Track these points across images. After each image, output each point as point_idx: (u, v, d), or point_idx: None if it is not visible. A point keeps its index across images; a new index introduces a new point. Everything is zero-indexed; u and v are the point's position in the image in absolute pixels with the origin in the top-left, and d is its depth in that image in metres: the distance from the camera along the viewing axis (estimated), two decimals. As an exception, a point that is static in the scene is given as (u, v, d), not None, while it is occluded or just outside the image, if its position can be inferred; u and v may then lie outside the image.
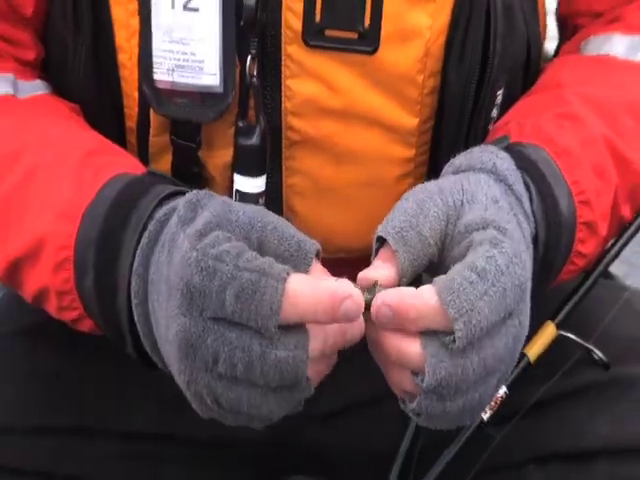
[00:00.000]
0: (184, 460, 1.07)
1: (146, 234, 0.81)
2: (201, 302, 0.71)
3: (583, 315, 1.01)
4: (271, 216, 0.77)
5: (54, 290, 0.88)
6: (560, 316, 0.98)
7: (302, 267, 0.75)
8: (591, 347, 0.99)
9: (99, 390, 1.07)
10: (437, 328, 0.72)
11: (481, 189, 0.81)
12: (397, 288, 0.75)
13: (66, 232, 0.86)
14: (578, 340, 0.98)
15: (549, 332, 0.97)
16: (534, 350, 0.95)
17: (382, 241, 0.80)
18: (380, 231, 0.79)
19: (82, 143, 0.95)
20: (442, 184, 0.83)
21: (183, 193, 0.82)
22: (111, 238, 0.84)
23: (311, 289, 0.71)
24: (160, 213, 0.81)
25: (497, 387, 0.80)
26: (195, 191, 0.80)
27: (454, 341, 0.71)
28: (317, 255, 0.77)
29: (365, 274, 0.77)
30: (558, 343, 0.98)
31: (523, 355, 0.94)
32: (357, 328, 0.74)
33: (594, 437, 1.02)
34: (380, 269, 0.77)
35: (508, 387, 0.94)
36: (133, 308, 0.82)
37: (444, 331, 0.71)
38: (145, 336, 0.82)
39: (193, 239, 0.72)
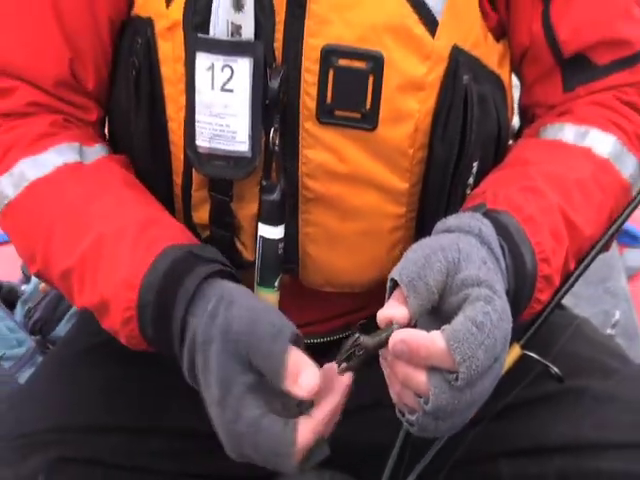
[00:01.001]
0: (209, 452, 1.07)
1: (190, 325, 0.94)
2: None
3: (542, 338, 1.07)
4: (258, 328, 0.90)
5: (123, 334, 0.99)
6: (524, 339, 1.05)
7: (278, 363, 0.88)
8: (549, 364, 1.06)
9: (150, 397, 1.13)
10: (442, 367, 0.84)
11: (473, 250, 0.91)
12: (413, 329, 0.87)
13: (129, 297, 0.97)
14: (538, 358, 1.05)
15: (515, 352, 1.03)
16: (504, 366, 0.96)
17: (394, 282, 0.90)
18: (394, 276, 0.90)
19: (138, 215, 1.05)
20: (442, 242, 0.93)
21: (217, 273, 0.98)
22: (164, 305, 0.97)
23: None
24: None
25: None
26: (214, 301, 0.93)
27: (457, 379, 0.84)
28: (296, 342, 0.90)
29: (384, 313, 0.88)
30: (523, 360, 1.04)
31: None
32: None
33: (553, 436, 1.07)
34: (395, 309, 0.88)
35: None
36: (185, 360, 0.95)
37: (448, 370, 0.84)
38: (193, 381, 0.96)
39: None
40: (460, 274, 0.89)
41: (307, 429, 0.88)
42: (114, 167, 1.11)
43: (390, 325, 0.87)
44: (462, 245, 0.92)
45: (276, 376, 0.88)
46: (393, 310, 0.88)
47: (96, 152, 1.12)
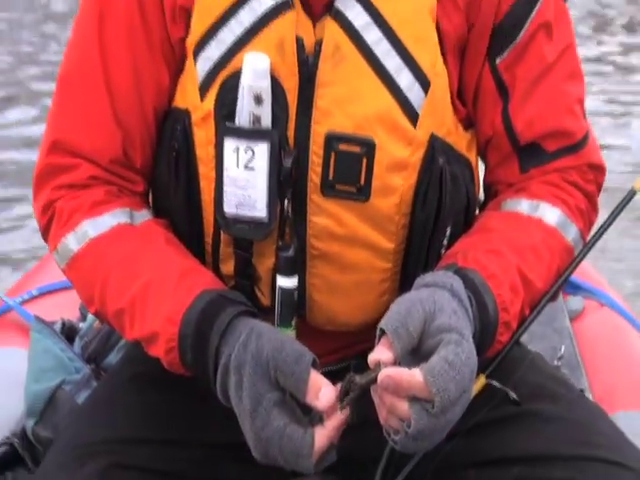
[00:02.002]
0: (233, 460, 1.10)
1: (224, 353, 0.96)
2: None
3: (503, 370, 1.07)
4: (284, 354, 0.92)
5: (166, 362, 1.00)
6: (488, 370, 1.05)
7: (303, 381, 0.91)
8: (508, 391, 1.06)
9: (182, 415, 1.12)
10: (421, 397, 0.88)
11: (446, 302, 0.94)
12: (397, 367, 0.89)
13: (172, 331, 0.99)
14: (500, 386, 1.05)
15: (481, 381, 1.03)
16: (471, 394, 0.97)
17: (382, 331, 0.92)
18: (382, 325, 0.92)
19: (178, 265, 1.05)
20: (421, 295, 0.95)
21: (244, 313, 1.00)
22: (201, 338, 0.98)
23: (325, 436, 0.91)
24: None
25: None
26: (245, 333, 0.95)
27: (433, 407, 0.87)
28: (314, 365, 0.93)
29: (373, 356, 0.90)
30: (487, 388, 1.04)
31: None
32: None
33: (513, 450, 1.05)
34: (382, 354, 0.90)
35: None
36: (218, 382, 0.97)
37: (425, 399, 0.87)
38: (224, 398, 0.97)
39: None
40: (435, 322, 0.92)
41: (322, 436, 0.91)
42: (157, 228, 1.11)
43: (378, 366, 0.89)
44: (437, 298, 0.94)
45: (300, 392, 0.91)
46: (381, 354, 0.90)
47: (143, 216, 1.12)
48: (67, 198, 1.11)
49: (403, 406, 0.89)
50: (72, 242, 1.10)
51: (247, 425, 0.93)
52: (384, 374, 0.88)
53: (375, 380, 0.89)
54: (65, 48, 1.15)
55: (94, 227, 1.09)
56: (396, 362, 0.91)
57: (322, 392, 0.91)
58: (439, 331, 0.92)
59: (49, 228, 1.13)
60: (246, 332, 0.96)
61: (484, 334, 1.00)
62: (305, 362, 0.92)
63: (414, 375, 0.88)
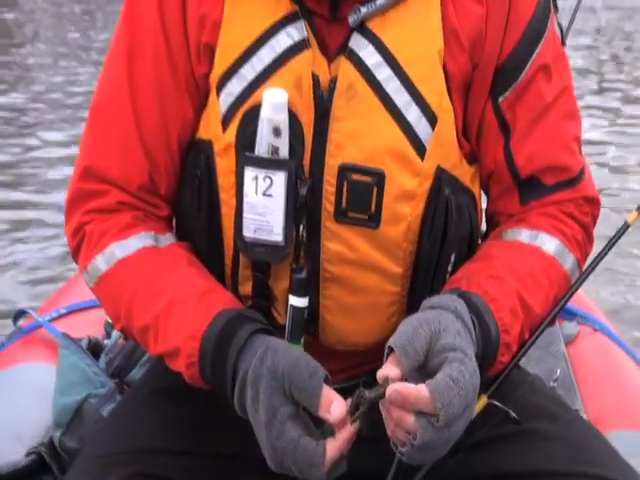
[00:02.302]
0: (247, 470, 1.10)
1: (241, 368, 0.96)
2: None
3: (504, 390, 1.06)
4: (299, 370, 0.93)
5: (187, 375, 1.00)
6: (490, 391, 1.04)
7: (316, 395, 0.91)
8: (509, 410, 1.05)
9: (199, 427, 1.12)
10: (426, 411, 0.87)
11: (450, 323, 0.93)
12: (405, 382, 0.89)
13: (192, 347, 0.99)
14: (501, 406, 1.05)
15: (483, 401, 1.03)
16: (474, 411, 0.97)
17: (390, 348, 0.92)
18: (390, 343, 0.92)
19: (199, 286, 1.06)
20: (427, 316, 0.95)
21: (260, 330, 1.00)
22: (220, 354, 0.98)
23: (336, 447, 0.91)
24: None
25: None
26: (262, 350, 0.95)
27: (438, 421, 0.86)
28: (326, 381, 0.93)
29: (382, 372, 0.90)
30: (489, 407, 1.04)
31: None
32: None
33: (513, 465, 1.05)
34: (390, 370, 0.90)
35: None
36: (235, 395, 0.97)
37: (430, 414, 0.87)
38: (241, 410, 0.97)
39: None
40: (440, 341, 0.91)
41: (333, 447, 0.91)
42: (180, 251, 1.12)
43: (387, 382, 0.89)
44: (442, 319, 0.94)
45: (312, 406, 0.91)
46: (389, 371, 0.90)
47: (167, 239, 1.13)
48: (97, 222, 1.11)
49: (410, 419, 0.89)
50: (101, 263, 1.10)
51: (263, 436, 0.93)
52: (392, 389, 0.88)
53: (383, 395, 0.89)
54: (98, 81, 1.16)
55: (121, 249, 1.10)
56: (403, 378, 0.90)
57: (333, 406, 0.91)
58: (444, 350, 0.91)
59: (79, 250, 1.14)
60: (262, 348, 0.96)
61: (486, 354, 1.00)
62: (318, 378, 0.92)
63: (420, 391, 0.88)
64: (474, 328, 0.98)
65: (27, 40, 8.39)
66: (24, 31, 8.56)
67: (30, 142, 5.33)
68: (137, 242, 1.10)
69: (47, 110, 6.01)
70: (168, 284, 1.06)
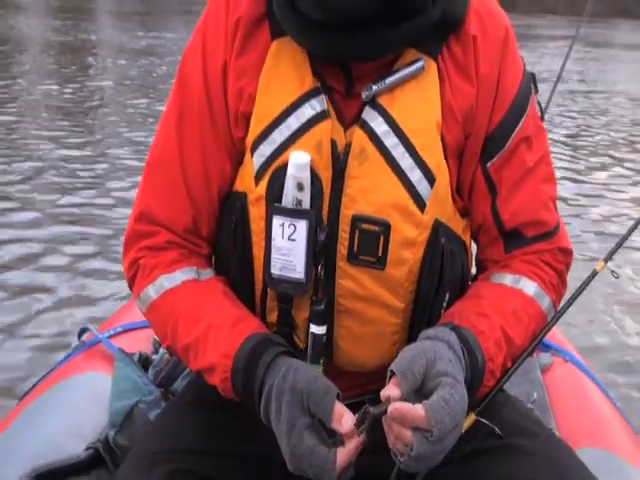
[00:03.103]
0: (273, 470, 1.07)
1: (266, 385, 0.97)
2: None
3: (490, 410, 1.05)
4: (316, 386, 0.94)
5: (221, 389, 1.01)
6: (477, 410, 1.03)
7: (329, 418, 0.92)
8: (494, 427, 1.05)
9: (233, 432, 1.12)
10: (422, 427, 0.88)
11: (444, 352, 0.93)
12: (404, 402, 0.89)
13: (226, 364, 0.99)
14: (487, 423, 1.04)
15: (471, 418, 1.02)
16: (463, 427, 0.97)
17: (392, 372, 0.92)
18: (392, 368, 0.92)
19: (233, 313, 1.06)
20: (424, 346, 0.95)
21: (284, 352, 1.00)
22: (249, 371, 0.98)
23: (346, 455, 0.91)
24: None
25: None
26: (284, 369, 0.96)
27: (432, 436, 0.86)
28: (338, 397, 0.93)
29: (385, 392, 0.90)
30: (476, 424, 1.04)
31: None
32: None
33: (498, 477, 1.03)
34: (392, 391, 0.90)
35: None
36: (261, 406, 0.98)
37: (425, 429, 0.87)
38: (266, 420, 0.98)
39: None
40: (435, 368, 0.91)
41: (343, 455, 0.91)
42: (217, 284, 1.12)
43: (389, 401, 0.89)
44: (437, 349, 0.94)
45: (326, 418, 0.92)
46: (390, 392, 0.90)
47: (207, 274, 1.13)
48: (148, 257, 1.12)
49: (407, 434, 0.88)
50: (151, 292, 1.11)
51: (284, 443, 0.93)
52: (393, 408, 0.88)
53: (386, 412, 0.89)
54: (153, 138, 1.17)
55: (169, 281, 1.10)
56: (403, 398, 0.90)
57: (344, 419, 0.91)
58: (438, 375, 0.91)
59: (134, 280, 1.14)
60: (285, 367, 0.96)
61: (474, 379, 0.99)
62: (331, 395, 0.93)
63: (417, 410, 0.87)
64: (464, 357, 0.97)
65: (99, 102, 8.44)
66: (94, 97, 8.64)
67: (99, 190, 5.40)
68: (182, 275, 1.11)
69: (113, 165, 6.09)
70: (207, 311, 1.06)
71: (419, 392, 0.92)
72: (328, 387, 0.94)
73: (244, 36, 1.07)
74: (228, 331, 1.03)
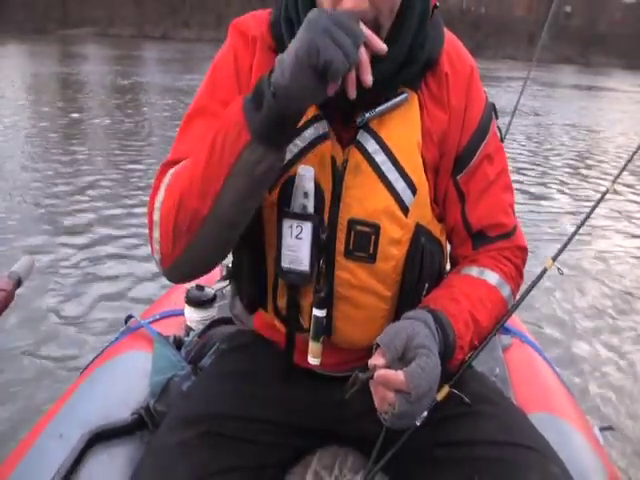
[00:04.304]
0: (279, 433, 1.08)
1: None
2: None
3: (461, 382, 1.03)
4: None
5: (232, 126, 0.87)
6: (451, 382, 1.01)
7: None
8: (463, 396, 1.03)
9: (254, 400, 1.09)
10: (403, 390, 0.87)
11: (421, 329, 0.92)
12: (388, 369, 0.88)
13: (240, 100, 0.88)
14: (458, 393, 1.02)
15: (445, 389, 1.00)
16: (439, 396, 0.98)
17: (377, 344, 0.91)
18: (378, 341, 0.92)
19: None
20: (405, 324, 0.94)
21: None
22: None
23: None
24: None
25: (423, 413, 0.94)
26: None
27: (410, 397, 0.85)
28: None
29: (371, 361, 0.90)
30: (449, 395, 1.00)
31: (434, 399, 0.96)
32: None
33: (466, 436, 1.00)
34: (378, 360, 0.90)
35: (428, 411, 0.95)
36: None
37: (406, 392, 0.86)
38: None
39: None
40: (414, 341, 0.90)
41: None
42: None
43: (375, 368, 0.88)
44: (415, 326, 0.93)
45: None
46: (376, 360, 0.90)
47: None
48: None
49: (391, 395, 0.87)
50: (168, 177, 0.97)
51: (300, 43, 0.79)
52: (378, 374, 0.87)
53: (372, 377, 0.88)
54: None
55: (177, 167, 0.97)
56: (386, 366, 0.89)
57: None
58: (416, 347, 0.90)
59: (154, 197, 0.98)
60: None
61: (446, 352, 0.98)
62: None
63: (399, 375, 0.87)
64: (437, 333, 0.96)
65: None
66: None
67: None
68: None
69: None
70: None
71: (400, 361, 0.90)
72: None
73: (261, 53, 1.04)
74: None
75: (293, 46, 0.80)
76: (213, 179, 0.89)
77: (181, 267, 0.98)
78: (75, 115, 9.68)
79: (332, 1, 0.91)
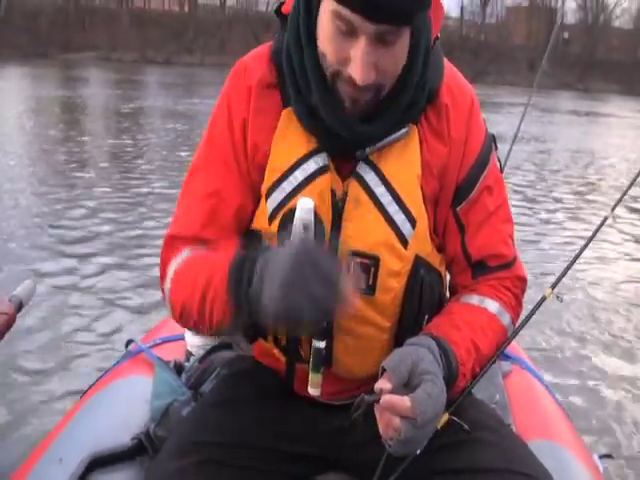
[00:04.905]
0: (280, 460, 1.07)
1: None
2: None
3: (461, 410, 1.03)
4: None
5: (220, 290, 0.91)
6: (450, 410, 1.00)
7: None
8: (463, 424, 1.02)
9: (252, 427, 1.08)
10: (408, 416, 0.86)
11: (426, 355, 0.92)
12: (394, 395, 0.87)
13: (225, 264, 0.91)
14: (458, 420, 1.02)
15: (445, 417, 0.99)
16: (439, 424, 0.96)
17: (384, 369, 0.91)
18: (384, 365, 0.91)
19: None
20: (410, 350, 0.94)
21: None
22: (243, 260, 0.89)
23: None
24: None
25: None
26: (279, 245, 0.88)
27: (417, 423, 0.85)
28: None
29: (378, 385, 0.89)
30: (449, 422, 1.00)
31: (434, 427, 0.95)
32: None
33: (466, 463, 1.00)
34: (384, 384, 0.89)
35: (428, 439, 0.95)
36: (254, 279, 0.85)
37: (411, 417, 0.86)
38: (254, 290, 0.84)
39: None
40: (419, 367, 0.90)
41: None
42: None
43: (381, 391, 0.87)
44: (420, 352, 0.93)
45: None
46: (383, 384, 0.89)
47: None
48: (177, 249, 1.07)
49: (397, 421, 0.87)
50: (175, 264, 1.04)
51: (279, 274, 0.80)
52: (384, 399, 0.87)
53: (378, 400, 0.87)
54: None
55: (191, 252, 1.04)
56: (392, 391, 0.89)
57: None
58: (422, 373, 0.90)
59: (165, 269, 1.06)
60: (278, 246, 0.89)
61: (450, 379, 0.98)
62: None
63: (405, 401, 0.87)
64: (441, 360, 0.96)
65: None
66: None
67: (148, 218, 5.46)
68: (204, 249, 1.04)
69: (158, 198, 6.13)
70: (218, 255, 0.98)
71: (405, 387, 0.90)
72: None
73: (257, 99, 1.05)
74: (232, 252, 0.95)
75: (269, 295, 0.80)
76: (207, 316, 0.95)
77: (189, 327, 1.06)
78: (77, 139, 9.74)
79: (338, 61, 0.93)
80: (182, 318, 1.02)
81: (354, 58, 0.90)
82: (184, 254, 1.03)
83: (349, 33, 0.90)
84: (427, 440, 0.93)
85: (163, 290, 1.06)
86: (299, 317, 0.78)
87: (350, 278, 0.86)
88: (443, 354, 0.97)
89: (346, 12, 0.88)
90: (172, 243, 1.07)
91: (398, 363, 0.90)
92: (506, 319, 1.11)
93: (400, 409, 0.86)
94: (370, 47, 0.89)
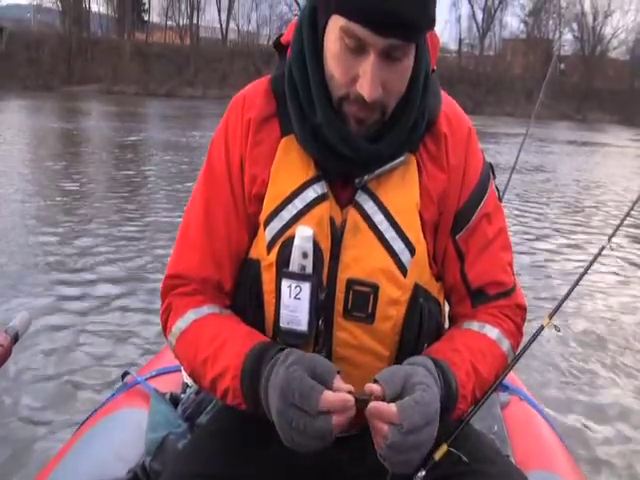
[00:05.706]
0: None
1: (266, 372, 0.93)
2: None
3: (459, 441, 1.02)
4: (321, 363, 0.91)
5: (231, 389, 0.98)
6: (449, 441, 1.00)
7: (331, 382, 0.89)
8: (462, 455, 1.01)
9: (248, 460, 1.07)
10: (395, 422, 0.86)
11: (420, 371, 0.92)
12: (380, 402, 0.88)
13: (238, 363, 0.97)
14: (456, 452, 1.00)
15: (444, 448, 0.99)
16: (437, 455, 0.98)
17: (375, 381, 0.91)
18: (376, 377, 0.91)
19: (246, 330, 1.04)
20: (405, 367, 0.94)
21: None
22: (255, 370, 0.95)
23: (336, 396, 0.87)
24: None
25: (419, 461, 0.91)
26: (286, 351, 0.93)
27: (402, 428, 0.85)
28: (338, 373, 0.91)
29: (368, 386, 0.90)
30: (448, 453, 1.00)
31: (433, 458, 0.97)
32: (351, 414, 0.88)
33: None
34: (375, 388, 0.90)
35: (426, 470, 0.96)
36: (261, 396, 0.93)
37: (398, 424, 0.86)
38: (265, 404, 0.93)
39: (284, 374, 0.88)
40: (412, 380, 0.90)
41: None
42: (236, 317, 1.10)
43: (372, 393, 0.89)
44: (415, 368, 0.94)
45: (329, 376, 0.91)
46: (374, 388, 0.90)
47: (228, 312, 1.10)
48: (180, 299, 1.10)
49: (384, 427, 0.86)
50: (181, 324, 1.08)
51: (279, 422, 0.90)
52: (371, 405, 0.87)
53: (367, 403, 0.88)
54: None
55: (196, 314, 1.07)
56: (382, 398, 0.89)
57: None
58: (414, 384, 0.90)
59: (167, 321, 1.11)
60: (287, 351, 0.95)
61: (449, 402, 0.97)
62: (333, 372, 0.92)
63: (391, 407, 0.86)
64: (439, 379, 0.96)
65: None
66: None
67: (146, 252, 5.46)
68: (207, 309, 1.08)
69: (157, 231, 6.14)
70: (224, 331, 1.04)
71: (399, 399, 0.89)
72: (330, 366, 0.93)
73: (255, 132, 1.06)
74: (241, 342, 1.00)
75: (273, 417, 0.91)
76: (217, 396, 1.04)
77: None
78: (78, 170, 9.81)
79: (347, 82, 0.95)
80: (191, 377, 1.10)
81: (364, 74, 0.92)
82: (190, 316, 1.08)
83: (358, 50, 0.92)
84: (425, 453, 0.91)
85: (166, 337, 1.11)
86: (294, 445, 0.89)
87: (339, 405, 0.88)
88: (442, 374, 0.96)
89: (356, 27, 0.89)
90: (172, 283, 1.10)
91: (391, 375, 0.91)
92: (506, 345, 1.10)
93: (387, 415, 0.86)
94: (379, 63, 0.91)
